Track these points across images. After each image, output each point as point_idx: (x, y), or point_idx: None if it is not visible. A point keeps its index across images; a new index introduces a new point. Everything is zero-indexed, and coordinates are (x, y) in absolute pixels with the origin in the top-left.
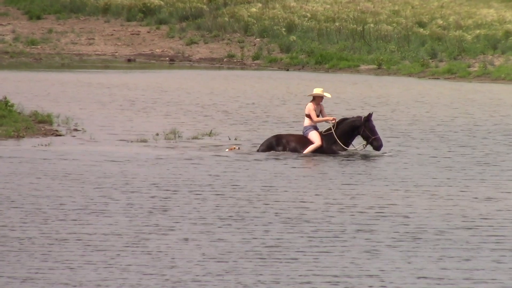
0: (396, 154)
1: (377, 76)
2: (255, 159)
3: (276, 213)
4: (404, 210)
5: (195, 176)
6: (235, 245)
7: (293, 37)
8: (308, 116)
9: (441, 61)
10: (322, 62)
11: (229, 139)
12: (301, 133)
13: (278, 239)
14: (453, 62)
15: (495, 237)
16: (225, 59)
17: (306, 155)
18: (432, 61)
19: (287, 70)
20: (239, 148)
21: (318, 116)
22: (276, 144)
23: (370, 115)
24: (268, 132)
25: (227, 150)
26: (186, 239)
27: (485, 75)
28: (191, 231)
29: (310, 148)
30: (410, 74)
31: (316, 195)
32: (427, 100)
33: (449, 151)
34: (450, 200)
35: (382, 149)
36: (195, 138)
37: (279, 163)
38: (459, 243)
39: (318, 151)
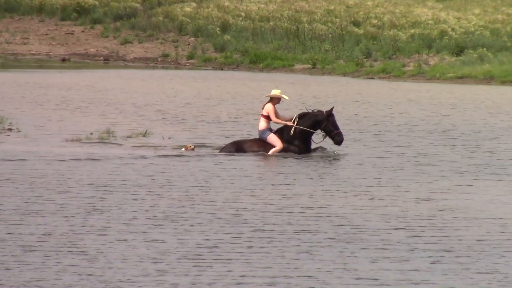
0: (335, 154)
1: (311, 76)
2: (196, 159)
3: (212, 213)
4: (341, 210)
5: (130, 176)
6: (171, 245)
7: (227, 37)
8: (266, 117)
9: (375, 60)
10: (256, 62)
11: (163, 138)
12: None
13: (214, 239)
14: (388, 62)
15: (432, 238)
16: (159, 59)
17: (249, 155)
18: (367, 61)
19: (222, 69)
20: (193, 148)
21: (277, 116)
22: (236, 151)
23: (331, 109)
24: (203, 132)
25: (182, 150)
26: (122, 240)
27: (420, 75)
28: (127, 231)
29: (272, 151)
30: (344, 74)
31: (252, 195)
32: (363, 99)
33: (386, 151)
34: (387, 200)
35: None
36: (130, 137)
37: (216, 163)
38: (396, 244)
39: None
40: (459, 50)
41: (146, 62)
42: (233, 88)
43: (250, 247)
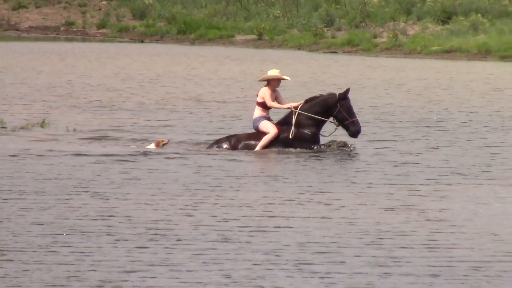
0: (349, 150)
1: (257, 50)
2: (103, 155)
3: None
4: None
5: (16, 175)
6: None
7: None
8: (262, 104)
9: (339, 29)
10: (186, 32)
11: (68, 130)
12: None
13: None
14: (355, 31)
15: (417, 258)
16: (62, 28)
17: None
18: (328, 30)
19: (142, 41)
20: (167, 142)
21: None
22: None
23: (347, 91)
24: (120, 122)
25: (151, 146)
26: None
27: (396, 48)
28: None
29: (264, 140)
30: (299, 47)
31: (161, 199)
32: (324, 80)
33: (364, 147)
34: (361, 211)
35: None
36: (24, 128)
37: (120, 161)
38: (370, 265)
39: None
40: (446, 16)
41: (45, 33)
42: (156, 66)
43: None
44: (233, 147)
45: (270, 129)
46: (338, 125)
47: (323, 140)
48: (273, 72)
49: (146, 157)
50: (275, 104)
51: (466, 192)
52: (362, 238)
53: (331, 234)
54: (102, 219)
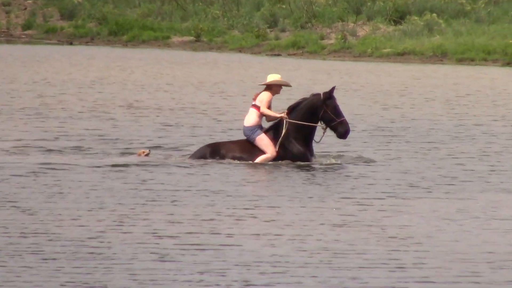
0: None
1: (195, 52)
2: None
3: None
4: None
5: None
6: None
7: None
8: (259, 108)
9: (283, 30)
10: (118, 33)
11: None
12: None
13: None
14: (300, 33)
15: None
16: None
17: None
18: (271, 31)
19: (71, 43)
20: (149, 152)
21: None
22: (211, 156)
23: (332, 89)
24: (44, 131)
25: (136, 155)
26: None
27: (344, 50)
28: None
29: (260, 159)
30: (240, 49)
31: (89, 210)
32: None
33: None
34: (308, 227)
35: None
36: None
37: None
38: None
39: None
40: (398, 16)
41: None
42: (87, 70)
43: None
44: (220, 158)
45: (268, 149)
46: (325, 128)
47: (316, 147)
48: (274, 77)
49: (76, 169)
50: (267, 111)
51: (425, 206)
52: (313, 256)
53: (280, 252)
54: (27, 237)
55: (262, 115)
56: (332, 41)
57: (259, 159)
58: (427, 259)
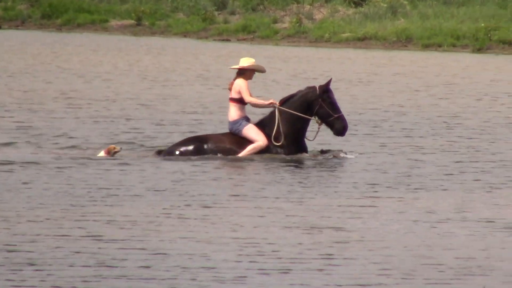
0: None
1: (135, 37)
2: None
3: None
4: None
5: None
6: None
7: None
8: (238, 100)
9: (232, 13)
10: (52, 16)
11: None
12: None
13: None
14: (251, 16)
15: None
16: None
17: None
18: (219, 14)
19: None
20: (120, 149)
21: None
22: (197, 151)
23: (329, 82)
24: None
25: (101, 154)
26: None
27: (299, 35)
28: None
29: (250, 150)
30: (185, 34)
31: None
32: (216, 75)
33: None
34: (258, 230)
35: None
36: None
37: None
38: None
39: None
40: None
41: None
42: (17, 56)
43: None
44: (207, 152)
45: (258, 137)
46: (321, 123)
47: (310, 145)
48: (247, 61)
49: (5, 166)
50: (254, 100)
51: (393, 206)
52: (268, 262)
53: (232, 257)
54: None
55: (242, 104)
56: (286, 25)
57: (248, 148)
58: (394, 264)
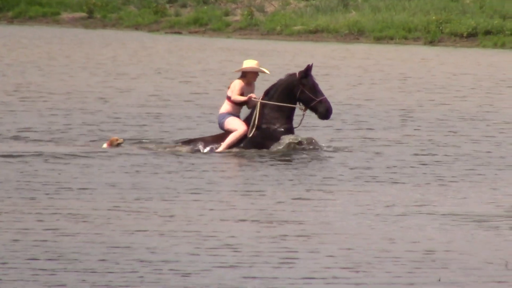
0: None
1: (87, 30)
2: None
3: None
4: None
5: None
6: None
7: None
8: (229, 98)
9: (184, 6)
10: (3, 9)
11: None
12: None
13: None
14: (203, 8)
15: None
16: None
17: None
18: (171, 7)
19: None
20: (123, 141)
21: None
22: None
23: (309, 67)
24: None
25: (104, 146)
26: None
27: (251, 28)
28: None
29: (229, 139)
30: (137, 26)
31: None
32: (169, 67)
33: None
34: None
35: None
36: None
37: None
38: None
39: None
40: None
41: None
42: None
43: None
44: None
45: (237, 126)
46: (305, 110)
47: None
48: (250, 63)
49: None
50: (237, 97)
51: (352, 200)
52: (227, 256)
53: (184, 250)
54: None
55: (234, 104)
56: (237, 18)
57: (229, 138)
58: (355, 259)
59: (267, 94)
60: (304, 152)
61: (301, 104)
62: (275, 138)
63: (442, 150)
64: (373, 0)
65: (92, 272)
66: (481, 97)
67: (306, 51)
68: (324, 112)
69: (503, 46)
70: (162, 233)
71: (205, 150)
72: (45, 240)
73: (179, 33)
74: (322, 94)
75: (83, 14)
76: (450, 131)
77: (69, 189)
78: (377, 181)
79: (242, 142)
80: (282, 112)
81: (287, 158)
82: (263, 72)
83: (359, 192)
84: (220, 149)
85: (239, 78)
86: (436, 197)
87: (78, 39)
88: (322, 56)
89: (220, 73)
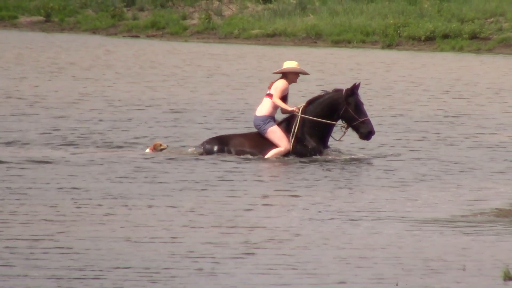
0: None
1: (44, 34)
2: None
3: None
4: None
5: None
6: None
7: None
8: (271, 96)
9: (141, 10)
10: None
11: None
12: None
13: None
14: (160, 12)
15: None
16: None
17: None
18: (128, 10)
19: None
20: (166, 146)
21: (287, 101)
22: (218, 151)
23: (356, 86)
24: None
25: (147, 151)
26: None
27: (208, 31)
28: None
29: (273, 153)
30: (94, 30)
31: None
32: (128, 72)
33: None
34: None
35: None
36: None
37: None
38: None
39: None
40: None
41: None
42: None
43: None
44: (233, 152)
45: (280, 142)
46: (347, 128)
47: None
48: (291, 64)
49: None
50: (279, 102)
51: (315, 203)
52: (181, 262)
53: (151, 256)
54: None
55: (275, 105)
56: (195, 21)
57: (271, 153)
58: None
59: (310, 104)
60: (262, 159)
61: (342, 121)
62: (309, 151)
63: (394, 152)
64: (331, 3)
65: (55, 278)
66: (440, 100)
67: (264, 54)
68: (366, 133)
69: (461, 49)
70: (121, 238)
71: (235, 150)
72: (7, 247)
73: (137, 36)
74: (365, 115)
75: (41, 18)
76: (403, 136)
77: (27, 193)
78: (333, 187)
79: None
80: (319, 127)
81: (247, 163)
82: (305, 73)
83: (314, 196)
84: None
85: (281, 78)
86: (390, 200)
87: (36, 43)
88: (279, 60)
89: (179, 78)
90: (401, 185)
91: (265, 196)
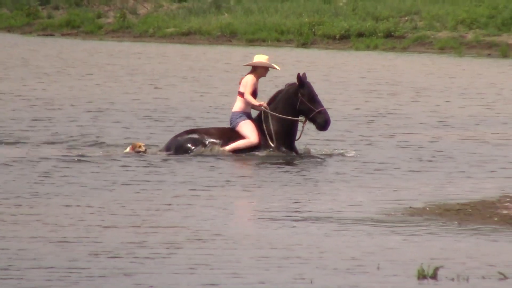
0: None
1: None
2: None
3: None
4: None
5: None
6: None
7: None
8: (242, 94)
9: (56, 8)
10: None
11: None
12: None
13: None
14: (75, 11)
15: None
16: None
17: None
18: (43, 9)
19: None
20: (145, 150)
21: (256, 95)
22: (193, 144)
23: (302, 75)
24: None
25: (127, 150)
26: None
27: (123, 30)
28: None
29: (239, 144)
30: (9, 28)
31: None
32: (48, 71)
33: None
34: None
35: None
36: None
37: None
38: None
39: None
40: None
41: None
42: None
43: None
44: (199, 144)
45: (249, 134)
46: (305, 121)
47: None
48: (261, 58)
49: None
50: (250, 98)
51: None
52: (104, 262)
53: (69, 258)
54: None
55: (247, 101)
56: (110, 20)
57: (237, 144)
58: (241, 263)
59: (270, 105)
60: (184, 158)
61: (302, 116)
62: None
63: (318, 153)
64: (245, 2)
65: None
66: (359, 99)
67: (181, 53)
68: (323, 123)
69: (375, 48)
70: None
71: (207, 142)
72: None
73: (52, 35)
74: (321, 105)
75: None
76: (323, 135)
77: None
78: (253, 185)
79: (254, 150)
80: (285, 126)
81: (173, 162)
82: (274, 68)
83: (240, 197)
84: (227, 148)
85: (249, 73)
86: (312, 199)
87: None
88: (195, 59)
89: (90, 78)
90: (323, 185)
91: (184, 195)
